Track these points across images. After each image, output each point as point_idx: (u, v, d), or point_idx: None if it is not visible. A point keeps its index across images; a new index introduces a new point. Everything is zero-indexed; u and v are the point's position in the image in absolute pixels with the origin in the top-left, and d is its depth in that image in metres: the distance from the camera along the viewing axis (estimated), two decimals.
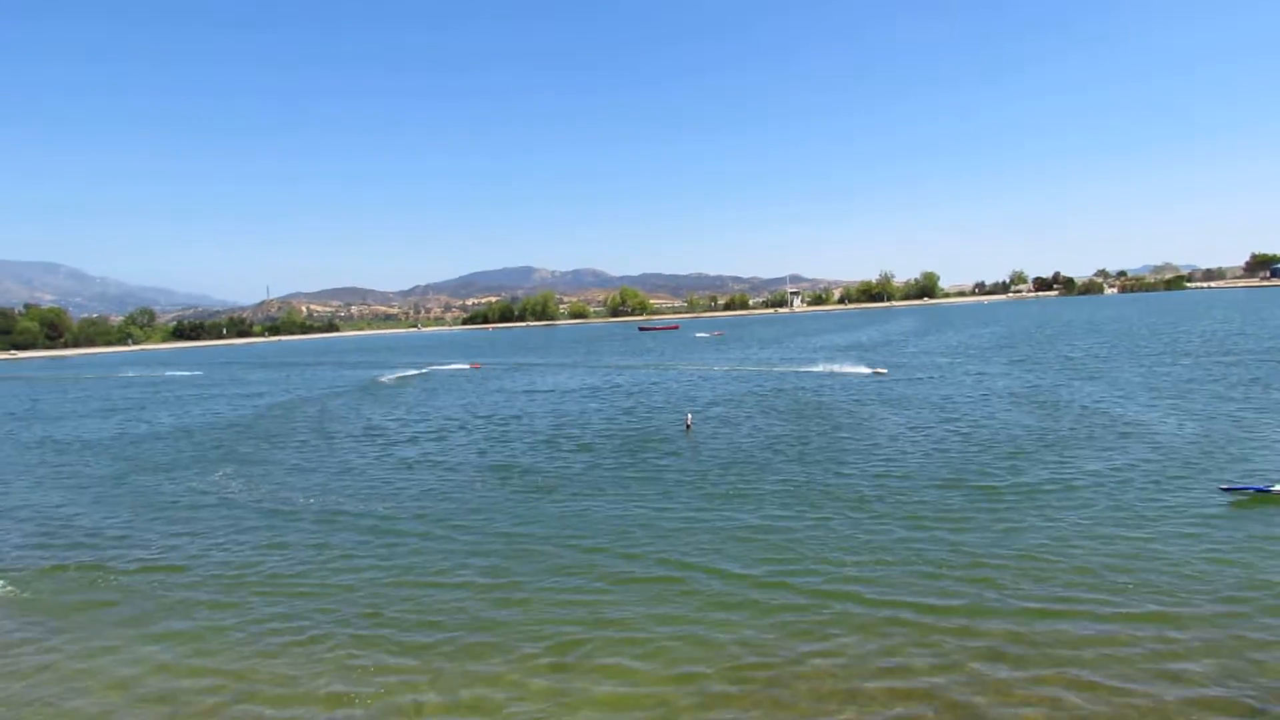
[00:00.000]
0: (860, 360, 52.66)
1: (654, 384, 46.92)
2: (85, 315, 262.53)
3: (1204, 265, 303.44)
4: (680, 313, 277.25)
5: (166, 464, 27.73)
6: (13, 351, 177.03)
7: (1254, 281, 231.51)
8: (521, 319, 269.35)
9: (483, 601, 13.20)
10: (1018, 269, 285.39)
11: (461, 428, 32.72)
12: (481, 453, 26.73)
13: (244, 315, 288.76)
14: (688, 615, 12.16)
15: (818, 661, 10.51)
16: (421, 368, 71.38)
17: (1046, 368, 43.36)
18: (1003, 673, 9.93)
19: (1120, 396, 31.00)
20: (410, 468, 24.77)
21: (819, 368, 50.44)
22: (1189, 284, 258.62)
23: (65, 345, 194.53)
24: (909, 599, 12.26)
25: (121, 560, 16.57)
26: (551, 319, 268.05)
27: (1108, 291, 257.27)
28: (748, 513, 17.48)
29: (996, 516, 16.15)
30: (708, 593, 13.01)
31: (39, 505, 22.32)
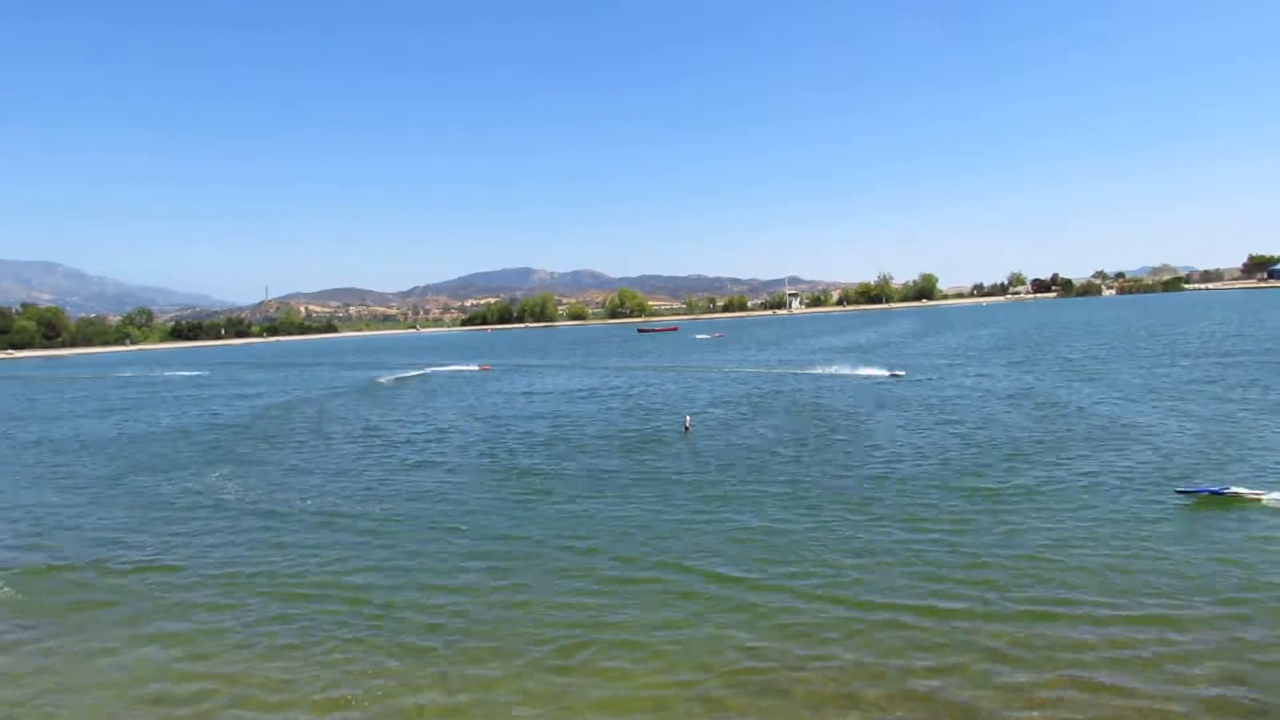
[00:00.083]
0: (877, 363, 51.17)
1: (652, 385, 46.88)
2: (83, 315, 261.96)
3: (1202, 267, 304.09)
4: (679, 314, 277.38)
5: (164, 464, 27.64)
6: (9, 351, 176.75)
7: (1251, 283, 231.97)
8: (520, 320, 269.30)
9: (480, 605, 13.14)
10: (1016, 270, 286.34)
11: (460, 429, 32.65)
12: (480, 454, 26.67)
13: (242, 315, 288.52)
14: (686, 619, 12.10)
15: (816, 665, 10.45)
16: (421, 369, 71.27)
17: (1045, 369, 43.37)
18: (1003, 676, 9.89)
19: (1119, 398, 31.00)
20: (408, 469, 24.70)
21: (832, 369, 49.29)
22: (1187, 285, 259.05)
23: (62, 345, 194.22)
24: (908, 602, 12.21)
25: (117, 561, 16.49)
26: (550, 320, 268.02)
27: (1106, 293, 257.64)
28: (746, 515, 17.43)
29: (996, 518, 16.11)
30: (706, 596, 12.97)
31: (34, 505, 22.23)
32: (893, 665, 10.32)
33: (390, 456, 27.02)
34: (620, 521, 17.45)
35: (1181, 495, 16.67)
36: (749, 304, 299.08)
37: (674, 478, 21.49)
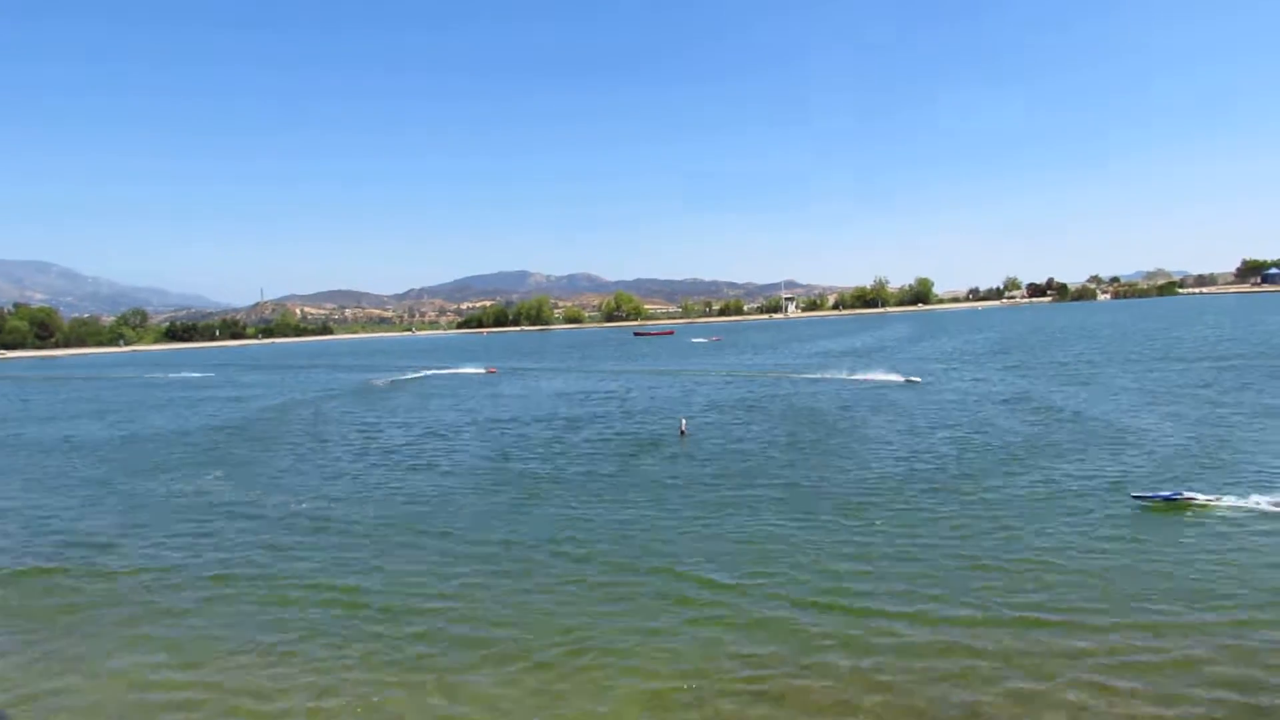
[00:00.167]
0: (890, 368, 48.83)
1: (648, 389, 46.81)
2: (76, 315, 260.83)
3: (1196, 271, 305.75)
4: (675, 318, 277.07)
5: (157, 467, 27.44)
6: (1, 351, 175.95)
7: (1245, 287, 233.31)
8: (516, 323, 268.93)
9: (473, 611, 13.02)
10: (1011, 275, 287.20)
11: (455, 432, 32.53)
12: (474, 458, 26.56)
13: (238, 317, 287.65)
14: (679, 627, 12.01)
15: (811, 673, 10.38)
16: (421, 371, 70.97)
17: (1040, 373, 43.43)
18: (1000, 684, 9.83)
19: (1114, 402, 31.03)
20: (402, 473, 24.58)
21: (844, 375, 47.31)
22: (1181, 290, 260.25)
23: (56, 345, 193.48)
24: (903, 609, 12.15)
25: (108, 565, 16.32)
26: (546, 323, 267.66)
27: (1100, 297, 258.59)
28: (741, 520, 17.36)
29: (993, 523, 16.08)
30: (699, 602, 12.88)
31: (26, 508, 22.02)
32: (889, 673, 10.25)
33: (384, 460, 26.89)
34: (614, 526, 17.37)
35: (1138, 500, 16.93)
36: (745, 308, 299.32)
37: (669, 482, 21.41)
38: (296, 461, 27.42)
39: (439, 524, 18.25)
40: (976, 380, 41.94)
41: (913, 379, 42.74)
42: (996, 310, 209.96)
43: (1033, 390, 36.40)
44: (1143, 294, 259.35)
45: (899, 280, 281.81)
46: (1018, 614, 11.77)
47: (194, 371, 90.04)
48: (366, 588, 14.32)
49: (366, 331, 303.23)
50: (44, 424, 43.06)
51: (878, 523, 16.59)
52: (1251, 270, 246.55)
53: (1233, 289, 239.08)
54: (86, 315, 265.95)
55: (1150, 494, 17.05)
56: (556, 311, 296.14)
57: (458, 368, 73.65)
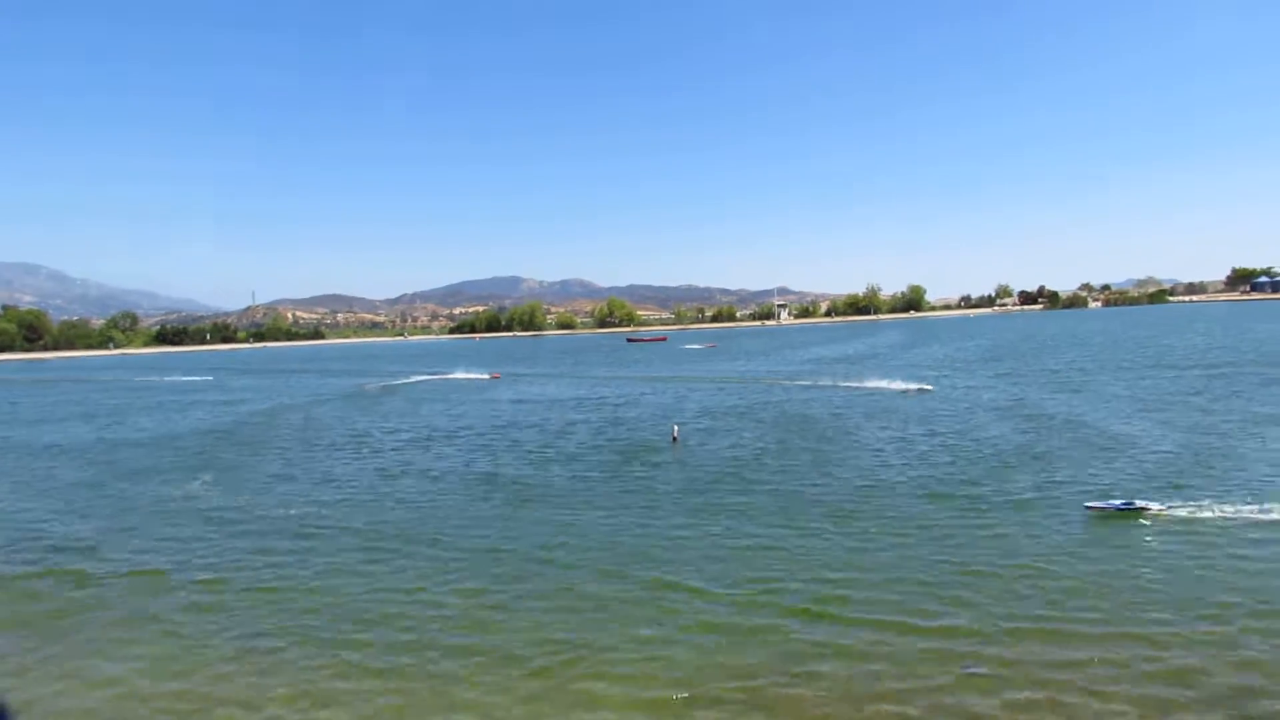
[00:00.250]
0: (896, 376, 47.65)
1: (641, 395, 46.76)
2: (65, 318, 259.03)
3: (1186, 279, 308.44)
4: (668, 324, 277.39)
5: (146, 471, 27.19)
6: None
7: (1235, 295, 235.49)
8: (508, 329, 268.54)
9: (462, 619, 12.92)
10: (1003, 283, 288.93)
11: (446, 438, 32.39)
12: (465, 464, 26.44)
13: (229, 321, 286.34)
14: (670, 636, 11.94)
15: (802, 682, 10.32)
16: (417, 376, 70.55)
17: (1032, 381, 43.60)
18: (995, 695, 9.80)
19: (1105, 409, 31.13)
20: (393, 478, 24.43)
21: (851, 383, 46.32)
22: (1171, 298, 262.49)
23: (44, 348, 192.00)
24: (895, 619, 12.11)
25: (95, 570, 16.12)
26: (539, 329, 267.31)
27: (1091, 305, 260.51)
28: (733, 528, 17.31)
29: (990, 533, 16.08)
30: (689, 612, 12.80)
31: (13, 512, 21.76)
32: (881, 682, 10.21)
33: (375, 465, 26.73)
34: (605, 534, 17.29)
35: (1091, 510, 16.95)
36: (738, 314, 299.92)
37: (661, 489, 21.35)
38: (286, 467, 27.23)
39: (430, 531, 18.13)
40: (969, 388, 42.05)
41: (925, 387, 42.11)
42: (988, 318, 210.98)
43: (1025, 397, 36.51)
44: (1134, 302, 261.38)
45: (891, 287, 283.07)
46: (1012, 624, 11.75)
47: (185, 375, 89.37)
48: (357, 594, 14.20)
49: (358, 336, 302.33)
50: (32, 427, 42.65)
51: (870, 530, 16.57)
52: (1241, 278, 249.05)
53: (1223, 297, 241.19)
54: (76, 318, 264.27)
55: (1104, 504, 17.05)
56: (549, 317, 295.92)
57: (450, 373, 72.84)
